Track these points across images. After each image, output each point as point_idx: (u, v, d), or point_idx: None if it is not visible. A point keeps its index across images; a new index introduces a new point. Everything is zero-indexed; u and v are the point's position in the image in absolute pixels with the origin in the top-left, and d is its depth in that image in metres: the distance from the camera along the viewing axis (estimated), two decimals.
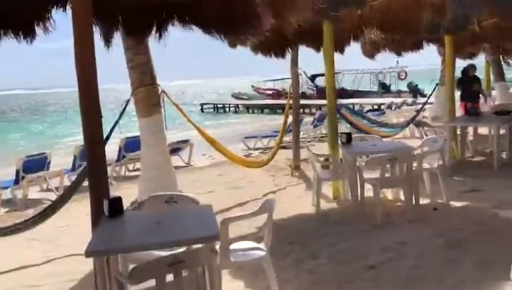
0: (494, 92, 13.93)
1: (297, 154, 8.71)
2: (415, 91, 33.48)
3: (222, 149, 7.06)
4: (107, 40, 5.18)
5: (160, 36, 5.19)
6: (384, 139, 7.42)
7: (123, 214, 3.27)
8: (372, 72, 36.66)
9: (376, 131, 9.51)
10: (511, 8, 6.25)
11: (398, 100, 19.73)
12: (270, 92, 40.46)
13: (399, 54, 9.23)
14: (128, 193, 7.09)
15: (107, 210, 3.18)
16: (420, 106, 11.42)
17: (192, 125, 6.57)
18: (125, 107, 6.18)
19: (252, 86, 45.98)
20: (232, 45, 6.20)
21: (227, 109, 37.25)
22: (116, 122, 6.03)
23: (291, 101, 8.60)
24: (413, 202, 5.33)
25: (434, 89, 10.55)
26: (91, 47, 3.32)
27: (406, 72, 37.34)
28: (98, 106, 3.38)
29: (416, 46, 8.98)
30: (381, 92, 34.66)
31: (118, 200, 3.25)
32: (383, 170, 5.01)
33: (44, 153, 9.02)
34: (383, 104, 18.75)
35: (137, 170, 10.74)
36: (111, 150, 11.09)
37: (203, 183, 8.25)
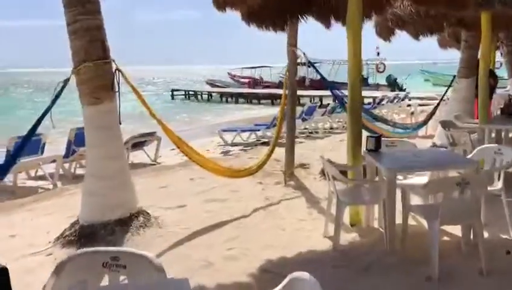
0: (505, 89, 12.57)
1: (292, 157, 6.99)
2: (393, 85, 32.37)
3: (190, 152, 5.26)
4: None
5: None
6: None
7: None
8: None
9: (386, 131, 7.90)
10: None
11: (390, 94, 18.34)
12: (246, 80, 38.61)
13: (417, 38, 7.62)
14: (72, 203, 5.27)
15: None
16: (436, 103, 9.96)
17: (153, 117, 4.78)
18: (61, 90, 4.33)
19: (228, 73, 43.98)
20: (221, 6, 4.41)
21: (199, 97, 35.16)
22: (46, 110, 4.17)
23: (287, 91, 6.86)
24: (471, 237, 3.75)
25: (451, 82, 9.00)
26: None
27: (384, 65, 36.24)
28: None
29: (438, 29, 7.38)
30: None
31: None
32: (447, 197, 3.33)
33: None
34: (373, 97, 17.32)
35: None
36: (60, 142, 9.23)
37: (172, 192, 6.44)
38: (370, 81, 34.63)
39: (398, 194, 3.79)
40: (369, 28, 7.05)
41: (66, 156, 8.07)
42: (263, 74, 39.66)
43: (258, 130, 11.13)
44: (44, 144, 7.68)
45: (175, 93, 36.65)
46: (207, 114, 24.74)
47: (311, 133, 11.93)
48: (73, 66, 4.29)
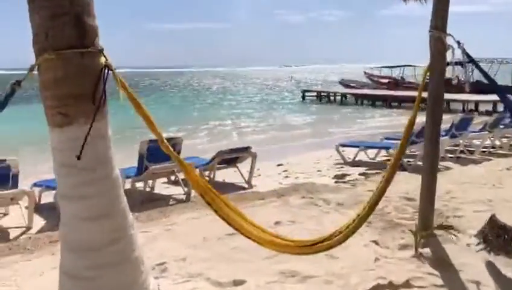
0: None
1: (430, 201, 4.40)
2: None
3: (223, 206, 3.08)
4: None
5: None
6: None
7: None
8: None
9: None
10: None
11: None
12: (386, 80, 35.05)
13: None
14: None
15: None
16: None
17: (161, 143, 2.79)
18: (9, 94, 2.54)
19: (365, 72, 40.73)
20: None
21: (332, 98, 32.68)
22: None
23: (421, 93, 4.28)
24: None
25: None
26: None
27: None
28: None
29: None
30: None
31: None
32: None
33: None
34: None
35: (172, 182, 7.33)
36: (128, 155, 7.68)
37: (236, 247, 4.30)
38: None
39: None
40: None
41: (138, 173, 6.60)
42: (405, 75, 35.62)
43: (389, 148, 8.54)
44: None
45: (306, 94, 34.76)
46: (336, 117, 22.28)
47: (462, 152, 8.87)
48: (35, 58, 2.50)
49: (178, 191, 6.83)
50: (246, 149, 7.32)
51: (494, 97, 23.84)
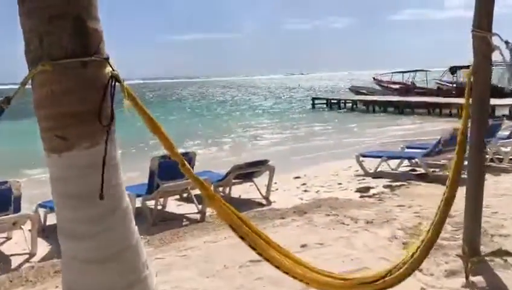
0: None
1: (476, 219, 3.91)
2: None
3: (254, 237, 2.65)
4: None
5: None
6: None
7: None
8: None
9: None
10: None
11: None
12: (397, 86, 34.50)
13: None
14: None
15: None
16: None
17: (177, 159, 2.35)
18: None
19: (374, 78, 40.20)
20: None
21: (342, 105, 32.17)
22: None
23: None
24: None
25: None
26: None
27: None
28: None
29: None
30: None
31: None
32: None
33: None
34: None
35: (185, 199, 6.90)
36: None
37: (256, 273, 3.86)
38: None
39: None
40: None
41: (148, 191, 6.17)
42: (416, 80, 35.05)
43: (413, 158, 8.06)
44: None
45: (316, 101, 34.29)
46: (349, 126, 21.76)
47: (491, 160, 8.36)
48: (28, 70, 2.08)
49: (192, 210, 6.39)
50: (263, 163, 6.87)
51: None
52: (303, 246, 4.54)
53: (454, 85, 30.16)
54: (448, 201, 3.16)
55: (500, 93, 25.54)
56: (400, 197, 6.53)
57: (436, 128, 20.25)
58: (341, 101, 32.68)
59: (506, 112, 22.42)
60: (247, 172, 6.81)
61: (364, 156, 8.61)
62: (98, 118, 2.05)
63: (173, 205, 6.95)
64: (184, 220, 6.20)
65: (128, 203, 2.32)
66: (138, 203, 6.10)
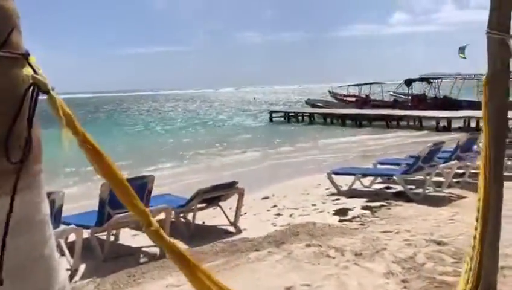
0: None
1: (495, 254, 3.30)
2: None
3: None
4: None
5: None
6: None
7: None
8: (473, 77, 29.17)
9: None
10: None
11: None
12: (353, 98, 34.73)
13: None
14: None
15: None
16: None
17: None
18: None
19: (329, 92, 40.47)
20: None
21: (300, 118, 31.92)
22: None
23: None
24: None
25: None
26: None
27: None
28: None
29: None
30: None
31: None
32: None
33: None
34: None
35: (140, 228, 6.01)
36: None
37: None
38: None
39: None
40: None
41: (98, 222, 5.25)
42: (371, 92, 35.45)
43: (391, 175, 7.54)
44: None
45: (274, 115, 33.89)
46: (309, 139, 21.32)
47: (469, 176, 7.96)
48: None
49: (149, 241, 5.51)
50: (232, 185, 6.08)
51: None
52: (288, 288, 3.80)
53: (410, 97, 30.68)
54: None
55: (453, 105, 26.11)
56: (382, 220, 5.93)
57: (397, 140, 20.22)
58: (299, 114, 32.44)
59: (461, 124, 22.84)
60: (213, 196, 6.02)
61: (336, 173, 8.00)
62: (5, 152, 1.23)
63: (128, 236, 6.02)
64: (141, 255, 5.30)
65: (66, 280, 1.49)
66: (86, 234, 5.18)
